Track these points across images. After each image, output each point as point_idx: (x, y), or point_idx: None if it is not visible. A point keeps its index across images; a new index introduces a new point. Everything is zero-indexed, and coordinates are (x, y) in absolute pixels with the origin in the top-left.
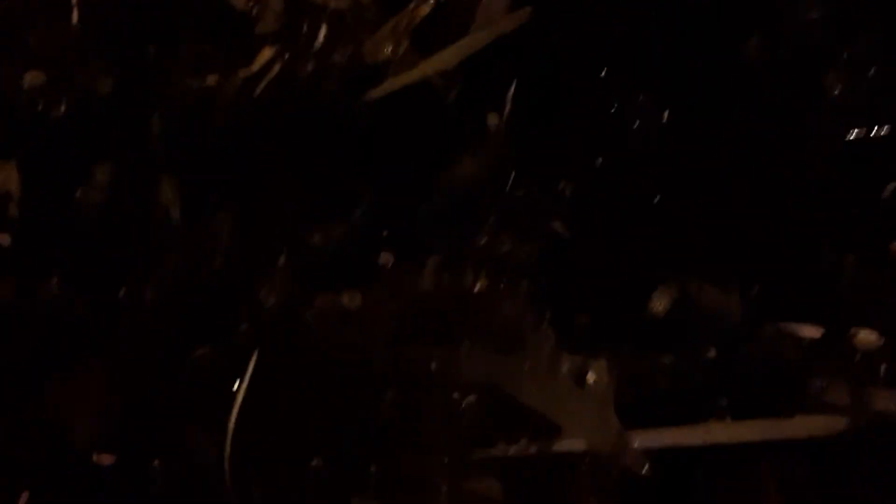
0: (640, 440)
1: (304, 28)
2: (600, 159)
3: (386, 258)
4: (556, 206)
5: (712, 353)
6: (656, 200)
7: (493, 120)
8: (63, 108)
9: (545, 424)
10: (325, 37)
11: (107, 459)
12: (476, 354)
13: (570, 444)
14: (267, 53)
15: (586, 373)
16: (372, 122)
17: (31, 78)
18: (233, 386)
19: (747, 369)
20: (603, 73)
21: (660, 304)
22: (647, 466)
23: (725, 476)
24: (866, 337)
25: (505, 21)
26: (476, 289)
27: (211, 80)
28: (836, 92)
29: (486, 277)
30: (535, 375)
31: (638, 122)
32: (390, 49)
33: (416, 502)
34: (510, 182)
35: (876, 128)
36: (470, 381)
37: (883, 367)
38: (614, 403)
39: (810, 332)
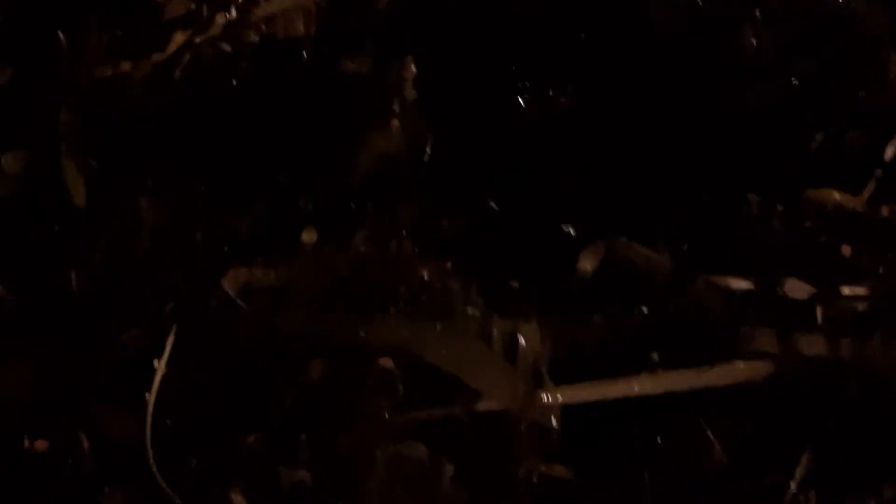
0: (564, 396)
1: (215, 10)
2: (522, 121)
3: (309, 235)
4: (482, 172)
5: (643, 310)
6: (581, 159)
7: (409, 91)
8: None
9: (465, 387)
10: (236, 18)
11: (41, 445)
12: (393, 321)
13: (487, 404)
14: (179, 37)
15: (517, 336)
16: (290, 99)
17: None
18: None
19: (679, 323)
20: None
21: (588, 263)
22: (556, 421)
23: (667, 428)
24: (794, 285)
25: None
26: (403, 258)
27: (124, 66)
28: (756, 42)
29: (414, 246)
30: (449, 339)
31: (555, 82)
32: (303, 26)
33: (346, 471)
34: (431, 151)
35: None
36: (389, 347)
37: (812, 313)
38: (547, 364)
39: (739, 283)
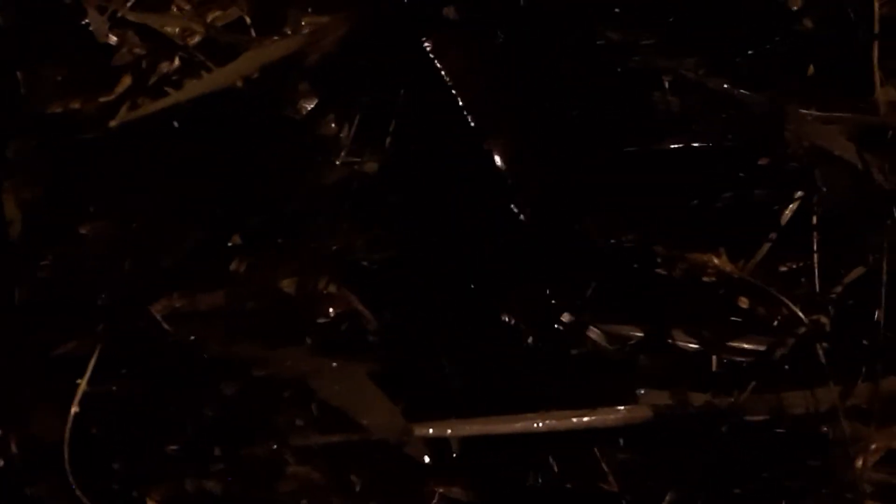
0: (436, 430)
1: (159, 60)
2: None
3: (237, 266)
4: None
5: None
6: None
7: (345, 131)
8: None
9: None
10: (178, 68)
11: None
12: (294, 356)
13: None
14: (126, 81)
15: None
16: (226, 138)
17: None
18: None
19: (576, 367)
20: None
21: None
22: (427, 455)
23: (564, 461)
24: (682, 338)
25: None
26: (320, 293)
27: (73, 104)
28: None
29: (331, 282)
30: (341, 376)
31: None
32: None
33: (256, 483)
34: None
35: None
36: (290, 380)
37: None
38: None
39: (634, 332)
